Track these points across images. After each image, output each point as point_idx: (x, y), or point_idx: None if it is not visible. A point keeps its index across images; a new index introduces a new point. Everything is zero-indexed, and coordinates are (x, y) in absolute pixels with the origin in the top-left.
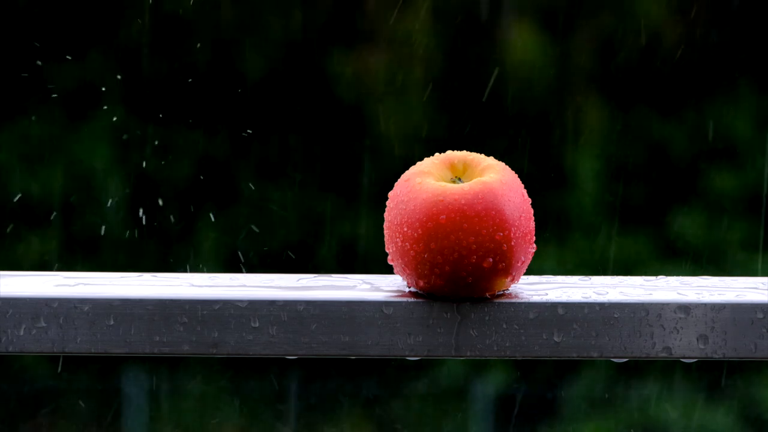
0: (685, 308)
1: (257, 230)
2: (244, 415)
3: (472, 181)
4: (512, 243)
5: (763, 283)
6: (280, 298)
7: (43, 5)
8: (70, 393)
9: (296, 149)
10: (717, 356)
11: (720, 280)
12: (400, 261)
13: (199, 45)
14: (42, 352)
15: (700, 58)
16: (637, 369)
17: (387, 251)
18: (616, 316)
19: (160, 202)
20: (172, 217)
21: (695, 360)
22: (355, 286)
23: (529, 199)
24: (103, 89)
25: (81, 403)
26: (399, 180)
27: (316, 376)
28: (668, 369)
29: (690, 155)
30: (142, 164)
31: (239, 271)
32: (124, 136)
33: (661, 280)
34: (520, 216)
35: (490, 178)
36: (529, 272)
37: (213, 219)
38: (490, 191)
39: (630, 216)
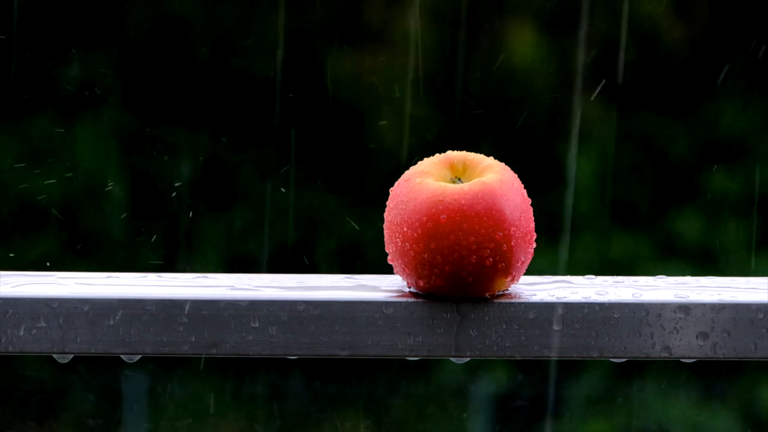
0: (685, 308)
1: (257, 230)
2: (243, 415)
3: (472, 181)
4: (512, 243)
5: (763, 283)
6: (280, 298)
7: (42, 5)
8: (70, 393)
9: (296, 149)
10: (717, 356)
11: (720, 280)
12: (400, 261)
13: (198, 44)
14: (42, 352)
15: (701, 57)
16: (637, 369)
17: (387, 251)
18: (616, 316)
19: (160, 202)
20: (172, 217)
21: (695, 360)
22: (355, 286)
23: (529, 199)
24: (103, 89)
25: (81, 403)
26: (399, 180)
27: (316, 376)
28: (668, 369)
29: (690, 155)
30: (142, 164)
31: (239, 271)
32: (125, 136)
33: (661, 280)
34: (520, 216)
35: (490, 178)
36: (529, 272)
37: (213, 219)
38: (490, 191)
39: (629, 216)
